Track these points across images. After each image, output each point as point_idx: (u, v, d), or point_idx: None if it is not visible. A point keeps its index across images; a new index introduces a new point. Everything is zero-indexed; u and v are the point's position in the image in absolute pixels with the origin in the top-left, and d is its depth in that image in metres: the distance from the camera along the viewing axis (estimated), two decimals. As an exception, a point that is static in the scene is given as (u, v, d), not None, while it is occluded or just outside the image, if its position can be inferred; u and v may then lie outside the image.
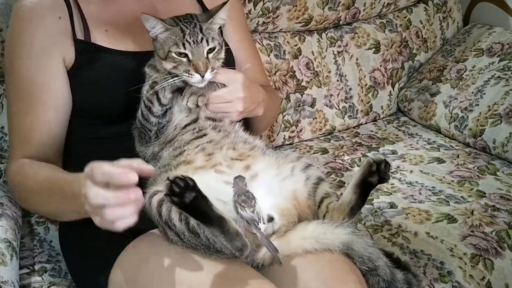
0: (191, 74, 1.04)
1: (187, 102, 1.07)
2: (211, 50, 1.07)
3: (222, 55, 1.11)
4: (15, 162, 1.18)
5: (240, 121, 1.19)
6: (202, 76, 1.05)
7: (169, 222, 0.97)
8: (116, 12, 1.25)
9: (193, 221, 0.95)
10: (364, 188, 1.06)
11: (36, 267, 1.29)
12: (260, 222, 0.95)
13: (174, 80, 1.06)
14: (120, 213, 0.85)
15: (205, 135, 1.11)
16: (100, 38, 1.21)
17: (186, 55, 1.05)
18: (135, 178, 0.83)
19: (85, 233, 1.15)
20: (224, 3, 1.11)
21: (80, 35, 1.20)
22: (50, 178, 1.09)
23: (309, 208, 1.10)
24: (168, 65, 1.06)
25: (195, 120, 1.12)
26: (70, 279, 1.26)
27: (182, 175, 0.92)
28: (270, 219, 1.03)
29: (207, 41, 1.06)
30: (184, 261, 1.00)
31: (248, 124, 1.25)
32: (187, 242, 0.98)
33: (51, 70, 1.18)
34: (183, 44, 1.04)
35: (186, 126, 1.12)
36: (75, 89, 1.20)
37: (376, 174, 1.04)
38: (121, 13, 1.25)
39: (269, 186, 1.08)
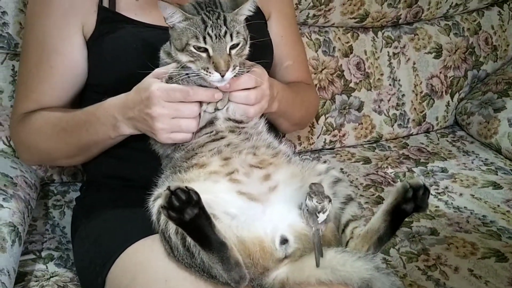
0: (210, 72, 0.93)
1: (206, 108, 0.98)
2: (234, 46, 0.95)
3: (246, 51, 0.98)
4: (19, 115, 1.17)
5: (262, 116, 1.08)
6: (222, 76, 0.93)
7: (165, 233, 0.89)
8: None
9: (190, 238, 0.85)
10: (396, 216, 0.93)
11: (43, 253, 1.25)
12: (321, 215, 0.91)
13: (188, 76, 0.95)
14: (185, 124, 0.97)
15: (223, 138, 1.01)
16: (128, 7, 1.14)
17: (206, 50, 0.94)
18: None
19: (96, 221, 1.11)
20: None
21: (105, 2, 1.13)
22: (70, 115, 1.12)
23: (332, 231, 0.97)
24: (184, 58, 0.95)
25: (211, 122, 1.01)
26: (75, 271, 1.19)
27: (185, 187, 0.82)
28: (284, 241, 0.93)
29: (231, 35, 0.93)
30: (183, 275, 0.90)
31: (271, 124, 1.14)
32: (180, 259, 0.89)
33: (65, 34, 1.12)
34: (204, 38, 0.93)
35: (201, 129, 1.01)
36: (92, 60, 1.14)
37: (411, 202, 0.91)
38: None
39: (288, 202, 0.97)
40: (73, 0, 1.12)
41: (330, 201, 0.93)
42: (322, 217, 0.92)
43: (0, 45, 1.35)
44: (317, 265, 0.89)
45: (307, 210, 0.92)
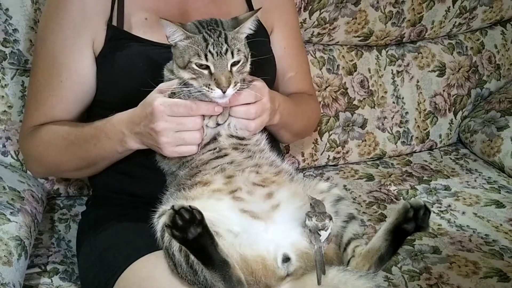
0: (211, 89, 0.95)
1: (208, 122, 1.00)
2: (235, 63, 0.97)
3: (247, 68, 1.01)
4: (29, 128, 1.19)
5: (263, 132, 1.09)
6: (224, 92, 0.95)
7: (169, 250, 0.90)
8: (160, 0, 1.20)
9: (193, 256, 0.86)
10: (397, 235, 0.94)
11: (49, 267, 1.26)
12: (323, 233, 0.93)
13: (190, 91, 0.98)
14: (189, 136, 0.98)
15: (226, 155, 1.02)
16: (136, 26, 1.17)
17: (207, 67, 0.96)
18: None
19: (102, 236, 1.13)
20: (255, 11, 1.01)
21: (114, 21, 1.16)
22: (79, 129, 1.14)
23: (333, 249, 0.98)
24: (186, 75, 0.98)
25: (214, 138, 1.03)
26: (80, 285, 1.20)
27: (189, 206, 0.83)
28: (286, 259, 0.94)
29: (232, 53, 0.96)
30: None
31: (272, 135, 1.16)
32: (184, 276, 0.91)
33: (76, 50, 1.15)
34: (205, 55, 0.95)
35: (205, 146, 1.03)
36: (100, 77, 1.17)
37: (412, 221, 0.92)
38: (165, 2, 1.20)
39: (291, 220, 0.98)
40: (84, 16, 1.15)
41: (331, 219, 0.94)
42: (324, 234, 0.93)
43: (10, 61, 1.38)
44: (319, 283, 0.90)
45: (309, 229, 0.94)
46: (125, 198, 1.19)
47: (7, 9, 1.34)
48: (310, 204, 0.94)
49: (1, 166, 1.36)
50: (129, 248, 1.04)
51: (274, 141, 1.23)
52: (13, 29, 1.35)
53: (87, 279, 1.12)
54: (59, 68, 1.16)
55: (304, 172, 1.66)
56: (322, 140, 1.70)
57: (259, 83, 1.03)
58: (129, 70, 1.12)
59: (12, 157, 1.40)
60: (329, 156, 1.72)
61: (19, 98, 1.40)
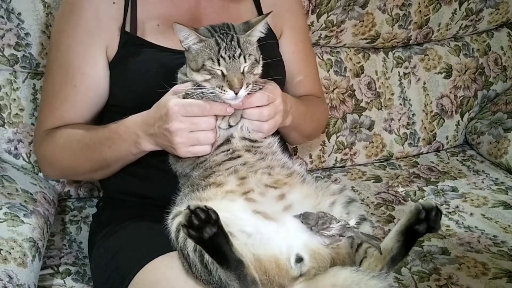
0: (224, 90, 0.96)
1: (220, 123, 1.01)
2: (247, 66, 0.98)
3: (259, 70, 1.02)
4: (43, 131, 1.20)
5: (275, 135, 1.10)
6: (236, 93, 0.96)
7: (183, 250, 0.91)
8: (172, 6, 1.21)
9: (208, 256, 0.87)
10: (409, 237, 0.95)
11: (61, 268, 1.27)
12: (351, 221, 0.97)
13: (203, 93, 0.99)
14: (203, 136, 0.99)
15: (239, 156, 1.03)
16: (149, 32, 1.18)
17: (220, 70, 0.97)
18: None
19: (114, 238, 1.14)
20: (266, 15, 1.03)
21: (127, 27, 1.17)
22: (93, 132, 1.15)
23: (346, 249, 0.99)
24: (199, 77, 0.99)
25: (227, 140, 1.04)
26: (92, 285, 1.21)
27: (205, 206, 0.85)
28: (299, 259, 0.94)
29: (244, 57, 0.97)
30: None
31: (282, 136, 1.17)
32: (198, 276, 0.92)
33: (90, 55, 1.16)
34: (218, 60, 0.96)
35: (218, 147, 1.04)
36: (114, 82, 1.18)
37: (424, 222, 0.93)
38: (177, 9, 1.22)
39: (303, 221, 0.98)
40: (99, 22, 1.16)
41: (327, 216, 0.96)
42: (352, 222, 0.96)
43: (22, 64, 1.40)
44: (380, 252, 0.94)
45: (339, 235, 0.95)
46: (136, 200, 1.20)
47: (19, 14, 1.35)
48: (307, 223, 0.95)
49: (13, 169, 1.37)
50: (142, 249, 1.05)
51: (285, 144, 1.24)
52: (25, 33, 1.37)
53: (100, 281, 1.13)
54: (73, 73, 1.17)
55: (312, 173, 1.68)
56: (329, 142, 1.71)
57: (272, 85, 1.05)
58: (143, 75, 1.13)
59: (24, 159, 1.41)
60: (336, 157, 1.73)
61: (31, 101, 1.42)
